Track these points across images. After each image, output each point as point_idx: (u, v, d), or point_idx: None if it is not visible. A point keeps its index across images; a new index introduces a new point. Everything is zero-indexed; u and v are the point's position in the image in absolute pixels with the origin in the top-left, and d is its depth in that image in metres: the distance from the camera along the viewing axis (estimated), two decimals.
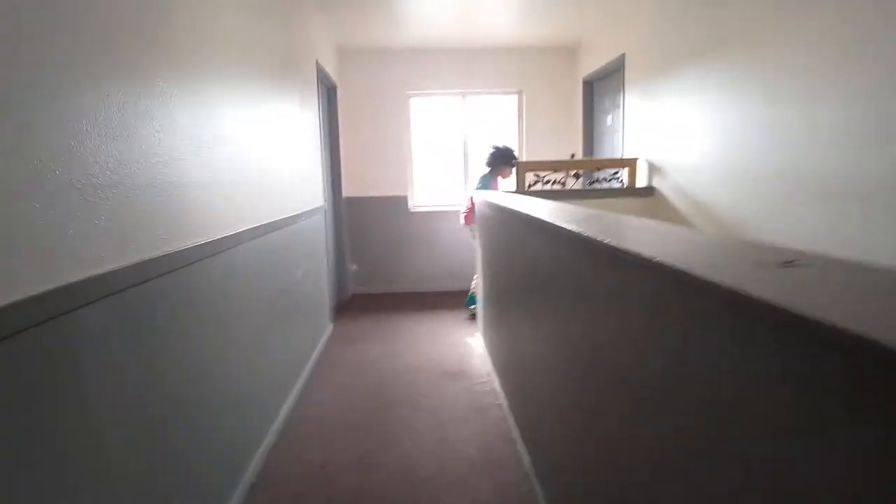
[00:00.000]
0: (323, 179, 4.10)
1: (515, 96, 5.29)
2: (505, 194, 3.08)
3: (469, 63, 5.10)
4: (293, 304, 2.94)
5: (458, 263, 5.27)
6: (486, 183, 4.11)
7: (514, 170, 4.08)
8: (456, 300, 4.86)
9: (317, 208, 3.66)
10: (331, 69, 4.55)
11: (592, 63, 4.61)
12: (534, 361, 1.97)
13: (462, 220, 4.33)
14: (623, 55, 3.87)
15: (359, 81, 5.07)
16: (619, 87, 4.06)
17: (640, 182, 3.60)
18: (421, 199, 5.42)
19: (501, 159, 4.11)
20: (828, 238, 2.07)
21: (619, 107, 4.10)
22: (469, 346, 3.65)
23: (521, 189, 3.62)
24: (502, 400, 2.68)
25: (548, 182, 3.68)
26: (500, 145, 4.13)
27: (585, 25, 4.35)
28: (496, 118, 5.36)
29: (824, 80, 2.06)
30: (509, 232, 2.43)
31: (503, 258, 2.70)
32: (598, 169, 3.56)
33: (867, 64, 1.85)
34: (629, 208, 3.39)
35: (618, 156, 4.10)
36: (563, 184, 3.69)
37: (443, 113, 5.34)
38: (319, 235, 3.78)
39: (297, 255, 3.09)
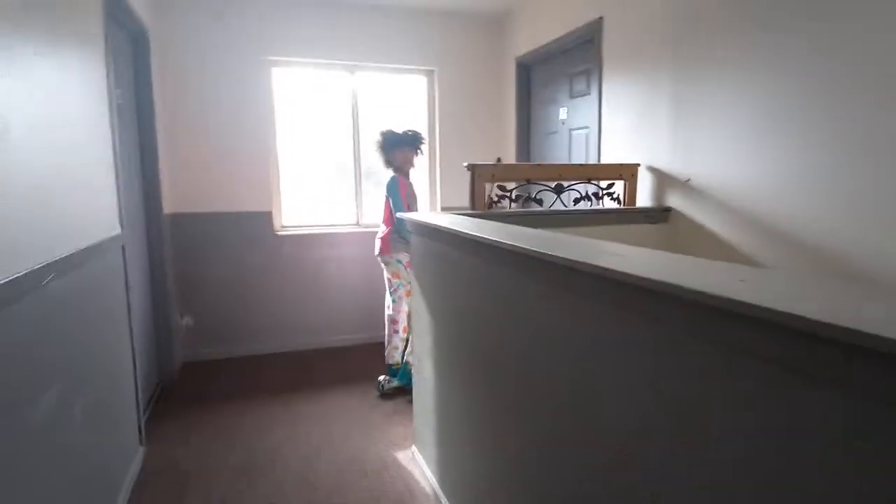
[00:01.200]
0: (119, 188, 2.24)
1: (424, 77, 3.92)
2: (486, 223, 1.69)
3: (360, 26, 3.59)
4: (34, 463, 1.19)
5: (359, 306, 3.72)
6: (395, 191, 2.79)
7: (416, 159, 2.93)
8: (360, 361, 3.32)
9: (101, 244, 1.86)
10: (138, 1, 2.69)
11: (531, 38, 3.46)
12: None
13: (378, 249, 2.84)
14: (600, 20, 2.75)
15: (189, 30, 3.24)
16: (589, 67, 2.96)
17: (643, 199, 2.50)
18: (294, 216, 3.74)
19: (399, 145, 2.83)
20: None
21: (587, 94, 2.99)
22: (406, 473, 2.17)
23: (477, 207, 2.27)
24: None
25: (518, 198, 2.38)
26: (395, 130, 2.87)
27: None
28: (399, 105, 3.93)
29: None
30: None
31: (493, 325, 1.33)
32: (590, 180, 2.38)
33: None
34: (640, 239, 2.26)
35: (581, 161, 2.99)
36: (541, 201, 2.43)
37: (325, 94, 3.74)
38: (108, 293, 1.98)
39: (44, 365, 1.34)
